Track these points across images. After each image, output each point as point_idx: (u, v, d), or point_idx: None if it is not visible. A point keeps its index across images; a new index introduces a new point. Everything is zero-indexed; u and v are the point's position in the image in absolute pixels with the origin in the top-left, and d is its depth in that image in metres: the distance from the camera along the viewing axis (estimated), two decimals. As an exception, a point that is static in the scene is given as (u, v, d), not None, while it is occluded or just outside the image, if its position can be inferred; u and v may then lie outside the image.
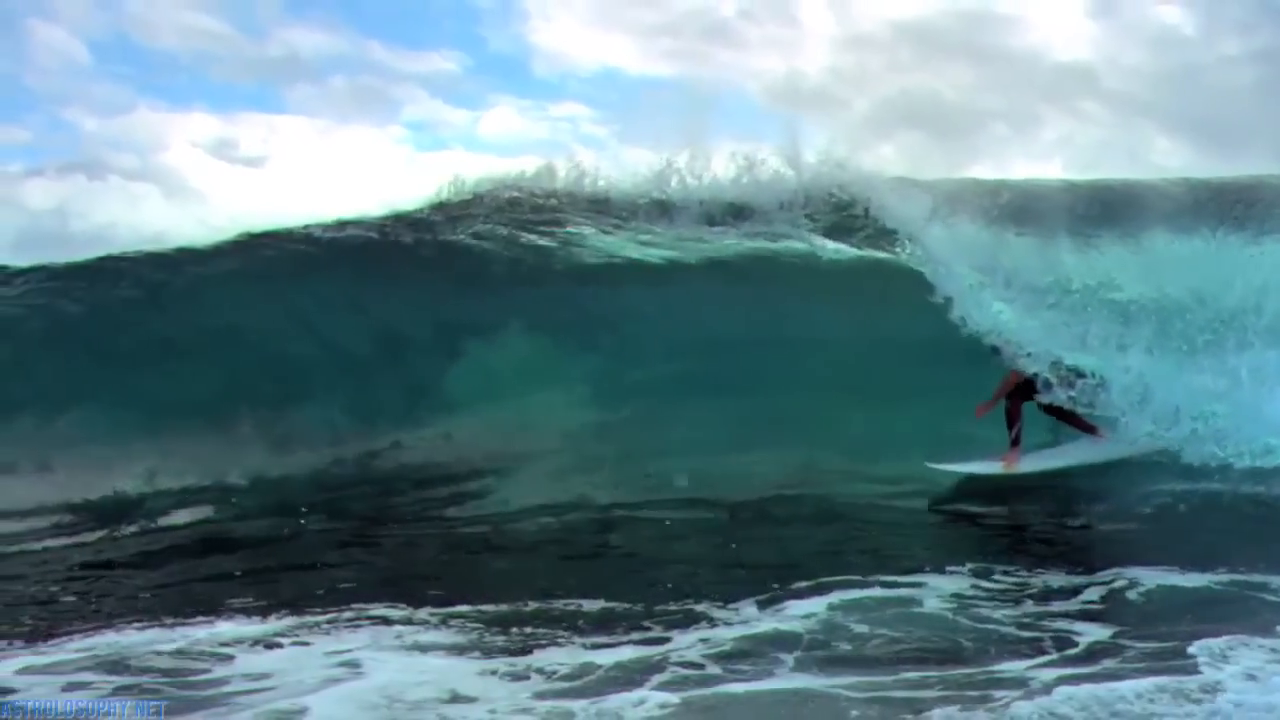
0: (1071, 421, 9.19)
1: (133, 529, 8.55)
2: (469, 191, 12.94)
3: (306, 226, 12.32)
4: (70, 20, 40.19)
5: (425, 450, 9.60)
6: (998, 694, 4.83)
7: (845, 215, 11.93)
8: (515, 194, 12.78)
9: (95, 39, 40.16)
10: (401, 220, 12.19)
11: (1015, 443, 8.99)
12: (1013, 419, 9.01)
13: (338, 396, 9.98)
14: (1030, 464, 8.99)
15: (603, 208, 12.31)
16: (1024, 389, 9.06)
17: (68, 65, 38.52)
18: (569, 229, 11.92)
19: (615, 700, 4.78)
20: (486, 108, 46.42)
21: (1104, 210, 11.49)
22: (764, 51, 39.73)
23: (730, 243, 11.51)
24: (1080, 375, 9.03)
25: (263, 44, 41.24)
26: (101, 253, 12.55)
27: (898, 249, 11.05)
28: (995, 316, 9.46)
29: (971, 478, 8.92)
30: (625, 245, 11.62)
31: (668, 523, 8.27)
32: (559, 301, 10.78)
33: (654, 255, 11.40)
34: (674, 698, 4.79)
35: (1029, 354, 9.09)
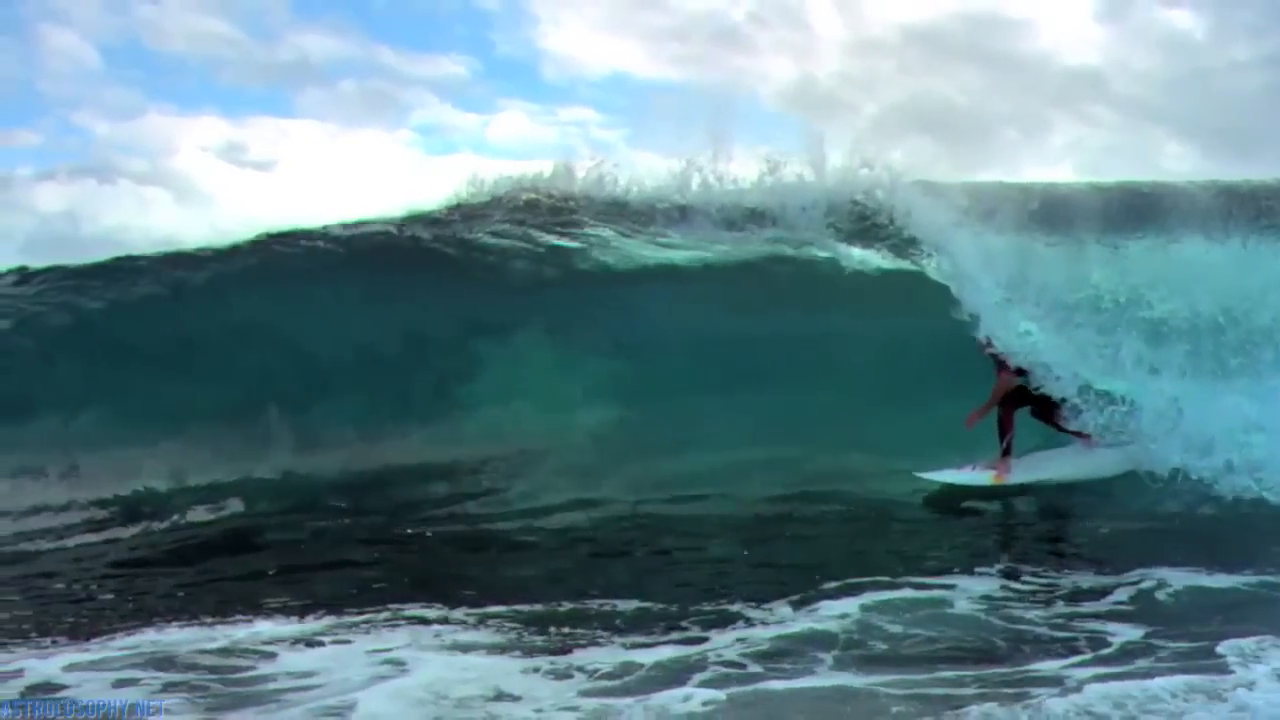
0: (1064, 428, 9.05)
1: (161, 527, 8.62)
2: (487, 193, 12.98)
3: (326, 227, 12.42)
4: (81, 25, 40.41)
5: (448, 451, 9.67)
6: (1035, 692, 4.91)
7: (869, 223, 11.70)
8: (533, 195, 12.81)
9: (106, 43, 40.36)
10: (421, 220, 12.25)
11: (1006, 452, 8.88)
12: (1005, 428, 8.89)
13: (361, 396, 10.05)
14: (1022, 474, 8.85)
15: (622, 210, 12.33)
16: (1015, 397, 8.93)
17: (78, 69, 38.69)
18: (587, 230, 11.97)
19: (661, 698, 4.86)
20: (496, 112, 46.60)
21: (1131, 214, 11.16)
22: (773, 56, 39.77)
23: (753, 247, 11.43)
24: (1111, 400, 8.74)
25: (272, 48, 41.41)
26: (120, 253, 12.68)
27: (924, 261, 10.84)
28: (1023, 337, 9.14)
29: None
30: (645, 247, 11.66)
31: (694, 523, 8.35)
32: (582, 303, 10.83)
33: (676, 258, 11.41)
34: (720, 694, 4.88)
35: (1058, 377, 8.83)
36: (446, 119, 43.07)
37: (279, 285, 10.93)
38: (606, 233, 11.82)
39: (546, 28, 48.15)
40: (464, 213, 12.69)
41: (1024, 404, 8.99)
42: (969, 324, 9.40)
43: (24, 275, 12.77)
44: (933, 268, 10.56)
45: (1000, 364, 8.96)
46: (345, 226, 12.23)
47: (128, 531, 8.45)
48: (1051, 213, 10.87)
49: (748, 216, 11.69)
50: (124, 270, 11.96)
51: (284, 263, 11.43)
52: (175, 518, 8.69)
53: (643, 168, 12.83)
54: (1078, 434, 9.00)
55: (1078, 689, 4.94)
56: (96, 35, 40.32)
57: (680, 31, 42.58)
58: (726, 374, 10.14)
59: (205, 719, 4.79)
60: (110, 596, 7.01)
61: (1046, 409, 9.06)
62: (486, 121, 43.58)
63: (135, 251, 12.67)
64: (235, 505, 8.93)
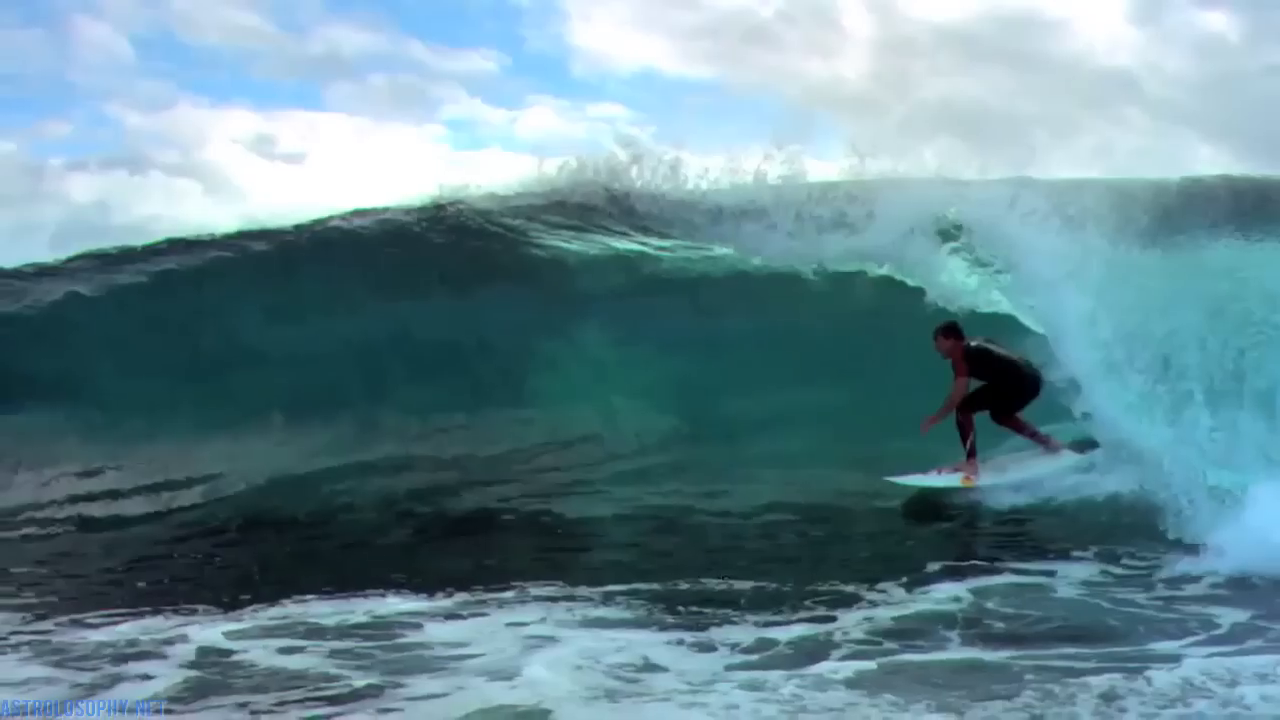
0: (1028, 433, 8.95)
1: (265, 502, 8.95)
2: (549, 182, 13.22)
3: (387, 208, 12.75)
4: (115, 17, 40.80)
5: (538, 435, 9.99)
6: (1156, 668, 5.20)
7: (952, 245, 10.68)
8: (596, 183, 13.01)
9: (139, 35, 40.73)
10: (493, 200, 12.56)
11: (971, 454, 8.75)
12: (965, 431, 8.76)
13: (446, 383, 10.33)
14: (991, 476, 8.75)
15: (687, 202, 12.52)
16: (973, 399, 8.79)
17: (111, 61, 39.03)
18: (652, 221, 12.21)
19: (814, 669, 5.17)
20: (525, 107, 46.96)
21: (1237, 215, 9.67)
22: (803, 54, 39.91)
23: (833, 251, 11.02)
24: (1220, 499, 7.37)
25: (303, 41, 41.79)
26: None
27: (1023, 301, 9.77)
28: (1128, 411, 7.98)
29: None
30: (713, 240, 11.87)
31: (781, 509, 8.61)
32: (664, 293, 11.14)
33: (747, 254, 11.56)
34: (870, 664, 5.18)
35: (1169, 476, 7.45)
36: (476, 114, 43.50)
37: (371, 262, 11.21)
38: (673, 226, 12.06)
39: (576, 24, 48.57)
40: (529, 199, 12.96)
41: (983, 408, 8.86)
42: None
43: (96, 256, 13.06)
44: (1031, 318, 9.56)
45: (957, 367, 8.77)
46: (410, 210, 12.56)
47: (240, 505, 8.79)
48: (1166, 218, 9.60)
49: (823, 224, 11.01)
50: (202, 246, 12.25)
51: (371, 236, 11.73)
52: (277, 493, 9.02)
53: (721, 163, 12.80)
54: (1035, 436, 8.95)
55: (1198, 666, 5.24)
56: (129, 27, 40.78)
57: (710, 29, 42.85)
58: (797, 368, 10.38)
59: (388, 681, 5.08)
60: (239, 569, 7.34)
61: (1006, 413, 8.92)
62: (515, 117, 43.97)
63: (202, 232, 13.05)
64: (338, 482, 9.25)
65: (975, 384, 8.78)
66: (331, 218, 12.56)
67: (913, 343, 10.27)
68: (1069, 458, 8.81)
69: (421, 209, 12.59)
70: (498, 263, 11.34)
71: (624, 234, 12.39)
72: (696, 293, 11.12)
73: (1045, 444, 8.94)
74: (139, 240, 12.73)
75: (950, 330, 8.93)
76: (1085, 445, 8.88)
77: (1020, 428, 9.00)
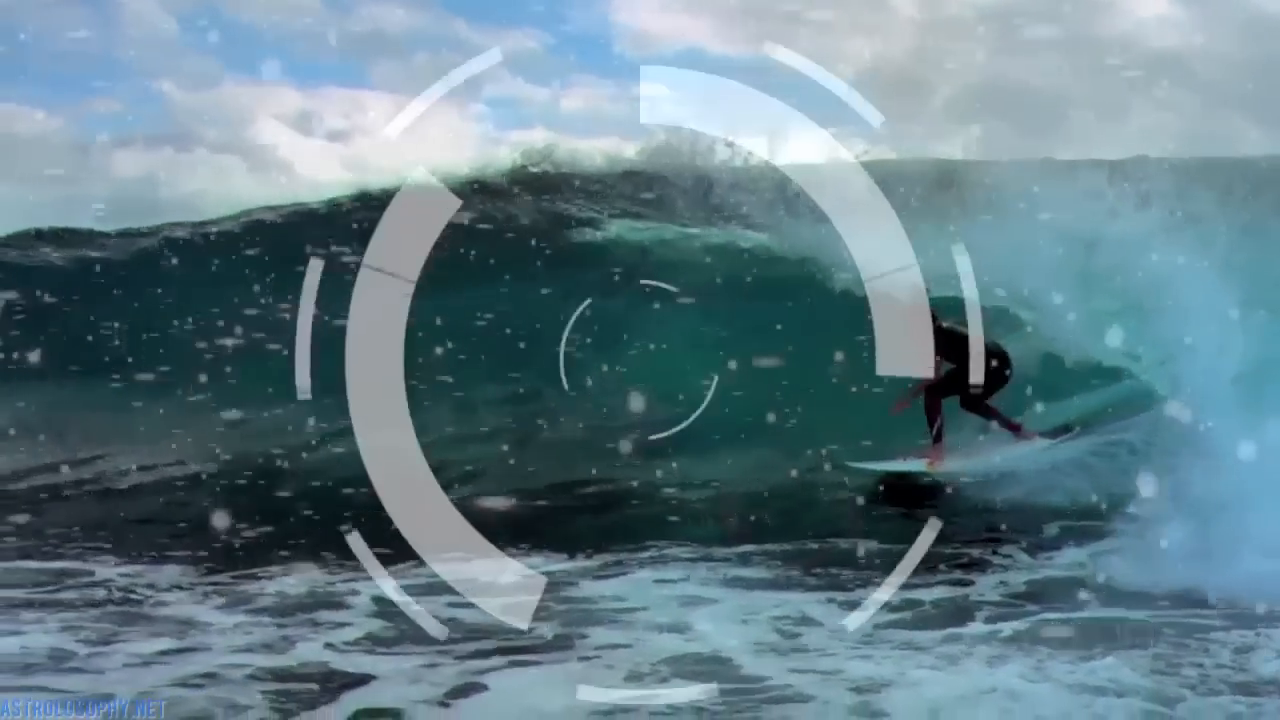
0: (997, 419, 8.79)
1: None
2: (625, 162, 13.43)
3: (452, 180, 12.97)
4: (160, -7, 40.90)
5: (636, 404, 10.19)
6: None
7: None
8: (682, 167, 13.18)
9: (184, 12, 40.85)
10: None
11: (938, 439, 8.59)
12: (933, 416, 8.60)
13: (544, 353, 10.51)
14: (957, 462, 8.62)
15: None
16: (943, 384, 8.63)
17: (158, 38, 39.27)
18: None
19: (966, 629, 5.46)
20: (567, 86, 46.95)
21: None
22: (847, 34, 39.54)
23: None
24: None
25: (348, 19, 41.84)
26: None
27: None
28: None
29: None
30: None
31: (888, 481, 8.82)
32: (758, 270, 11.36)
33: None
34: (1022, 625, 5.47)
35: None
36: (518, 93, 43.42)
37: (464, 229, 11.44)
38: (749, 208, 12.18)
39: (619, 2, 48.36)
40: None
41: (953, 392, 8.66)
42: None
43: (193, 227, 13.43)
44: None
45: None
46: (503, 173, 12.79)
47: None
48: None
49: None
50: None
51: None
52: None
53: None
54: (1013, 428, 8.79)
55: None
56: (175, 4, 40.94)
57: (754, 8, 42.50)
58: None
59: (572, 632, 5.41)
60: (375, 529, 7.55)
61: (976, 400, 8.69)
62: (558, 96, 44.08)
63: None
64: (448, 446, 9.48)
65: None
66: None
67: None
68: (1040, 444, 8.70)
69: (511, 171, 12.83)
70: (590, 227, 11.54)
71: (703, 212, 12.60)
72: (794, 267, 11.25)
73: (1016, 431, 8.77)
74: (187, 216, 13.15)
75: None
76: (1059, 431, 8.82)
77: (990, 414, 8.81)
